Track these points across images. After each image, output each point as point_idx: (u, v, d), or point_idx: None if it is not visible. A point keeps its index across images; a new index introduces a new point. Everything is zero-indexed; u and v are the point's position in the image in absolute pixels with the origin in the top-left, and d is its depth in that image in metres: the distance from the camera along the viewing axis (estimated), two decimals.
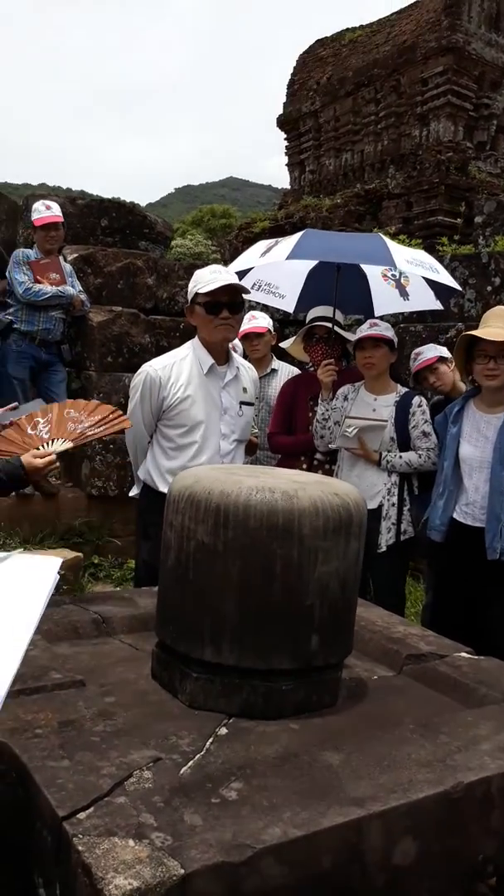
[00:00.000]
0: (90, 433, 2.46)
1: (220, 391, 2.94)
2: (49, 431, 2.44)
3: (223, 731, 1.72)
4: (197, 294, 2.84)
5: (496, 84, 12.41)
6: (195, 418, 2.89)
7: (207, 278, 2.81)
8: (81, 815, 1.28)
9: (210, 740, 1.67)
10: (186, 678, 1.82)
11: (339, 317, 3.79)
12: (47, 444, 2.39)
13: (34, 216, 5.28)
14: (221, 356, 2.96)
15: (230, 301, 2.84)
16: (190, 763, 1.55)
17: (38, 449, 2.34)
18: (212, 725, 1.73)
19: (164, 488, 2.92)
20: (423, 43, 12.15)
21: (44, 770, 1.40)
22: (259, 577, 1.74)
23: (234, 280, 2.84)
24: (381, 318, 3.68)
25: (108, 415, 2.51)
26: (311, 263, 3.76)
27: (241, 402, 3.00)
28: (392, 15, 14.04)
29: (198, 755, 1.59)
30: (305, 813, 1.33)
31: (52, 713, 1.61)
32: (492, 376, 2.90)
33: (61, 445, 2.39)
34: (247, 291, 2.95)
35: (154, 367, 2.93)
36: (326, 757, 1.54)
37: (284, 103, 15.43)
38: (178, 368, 2.91)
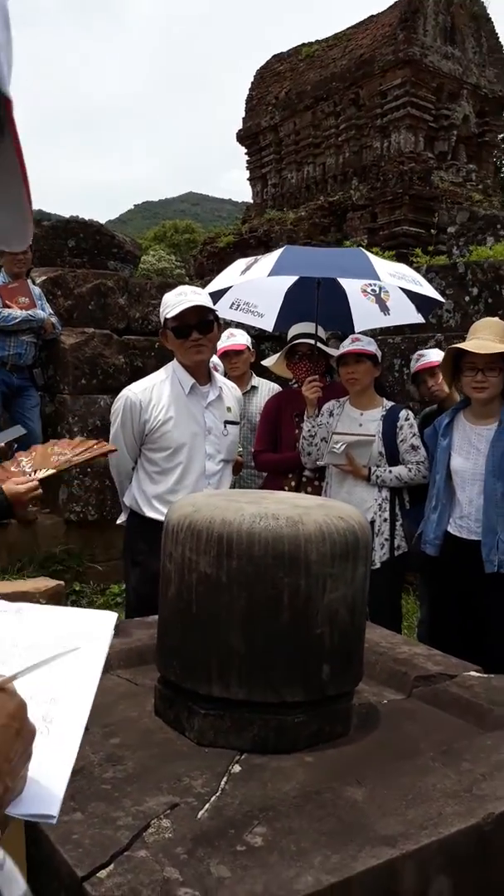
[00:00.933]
0: (74, 459, 2.41)
1: (203, 411, 2.89)
2: (32, 465, 2.38)
3: (236, 768, 1.66)
4: (166, 319, 2.81)
5: (454, 95, 12.59)
6: (178, 440, 2.84)
7: (173, 301, 2.78)
8: (102, 874, 1.21)
9: (224, 779, 1.60)
10: (194, 715, 1.75)
11: (321, 332, 3.76)
12: (30, 475, 2.33)
13: None
14: (202, 376, 2.92)
15: (199, 321, 2.79)
16: (207, 806, 1.48)
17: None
18: (224, 763, 1.67)
19: (150, 513, 2.88)
20: (381, 56, 12.29)
21: (56, 825, 1.32)
22: (266, 608, 1.68)
23: (200, 301, 2.79)
24: (364, 331, 3.66)
25: (93, 444, 2.47)
26: (289, 281, 3.73)
27: (226, 422, 2.95)
28: (348, 29, 14.19)
29: (214, 797, 1.53)
30: (336, 857, 1.28)
31: None
32: (480, 388, 2.89)
33: (44, 473, 2.33)
34: (213, 310, 2.89)
35: (133, 391, 2.88)
36: (349, 793, 1.48)
37: (244, 118, 15.49)
38: (158, 391, 2.87)
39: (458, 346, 2.92)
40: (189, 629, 1.76)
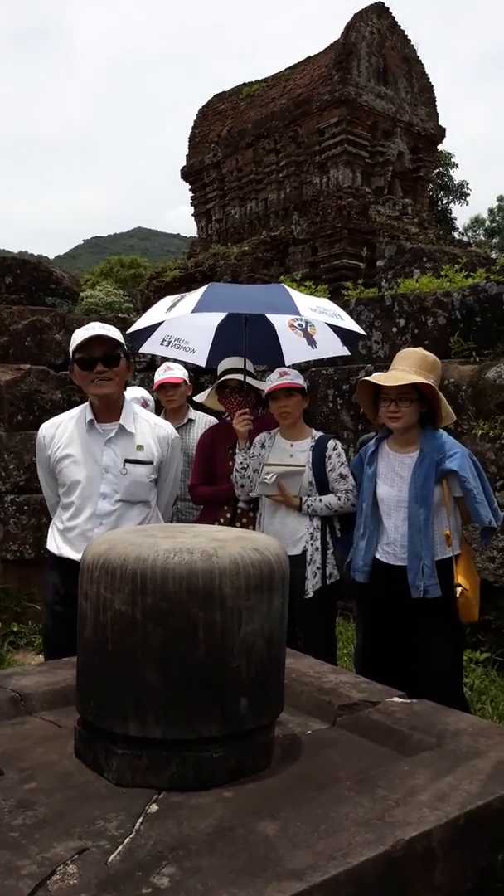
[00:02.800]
0: None
1: (103, 448, 2.82)
2: None
3: (153, 808, 1.64)
4: (73, 353, 2.80)
5: (388, 133, 13.00)
6: (72, 477, 2.82)
7: (80, 335, 2.78)
8: None
9: (140, 820, 1.58)
10: (112, 755, 1.73)
11: (250, 366, 3.81)
12: None
13: None
14: (109, 413, 2.86)
15: (104, 354, 2.75)
16: (119, 849, 1.46)
17: None
18: (141, 803, 1.64)
19: (49, 545, 2.93)
20: (318, 96, 12.65)
21: None
22: (181, 644, 1.68)
23: (106, 332, 2.75)
24: (292, 365, 3.72)
25: None
26: (220, 317, 3.79)
27: (128, 460, 2.83)
28: (286, 70, 14.59)
29: (127, 838, 1.50)
30: (243, 894, 1.27)
31: None
32: (394, 418, 2.97)
33: None
34: (122, 345, 2.82)
35: (44, 426, 2.94)
36: (262, 827, 1.47)
37: (187, 155, 15.73)
38: (64, 427, 2.89)
39: (367, 378, 3.01)
40: (105, 668, 1.74)
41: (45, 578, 2.96)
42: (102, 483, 2.80)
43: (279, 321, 3.73)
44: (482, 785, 1.64)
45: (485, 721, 2.08)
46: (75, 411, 2.95)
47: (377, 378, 2.96)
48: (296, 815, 1.52)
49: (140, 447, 2.87)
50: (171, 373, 4.37)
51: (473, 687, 4.28)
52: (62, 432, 2.87)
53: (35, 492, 4.49)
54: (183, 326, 3.73)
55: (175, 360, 5.04)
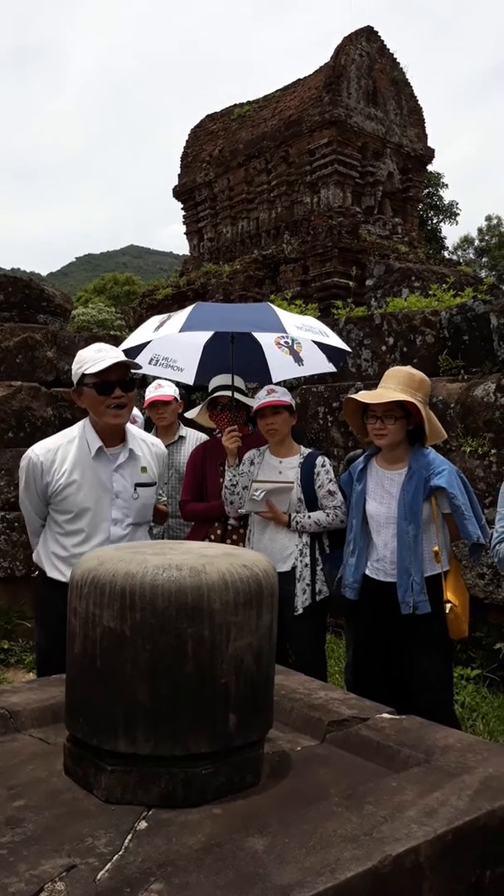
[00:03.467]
0: None
1: (112, 474, 2.78)
2: None
3: (143, 825, 1.64)
4: (84, 375, 2.69)
5: (378, 153, 13.16)
6: (81, 504, 2.73)
7: (93, 357, 2.68)
8: None
9: (129, 837, 1.58)
10: (101, 772, 1.73)
11: (241, 383, 3.84)
12: None
13: None
14: (114, 437, 2.82)
15: (120, 379, 2.70)
16: (107, 866, 1.46)
17: None
18: (130, 820, 1.64)
19: (51, 573, 2.79)
20: (308, 117, 12.80)
21: None
22: (170, 660, 1.69)
23: (122, 357, 2.73)
24: (280, 382, 3.76)
25: None
26: (207, 335, 3.83)
27: (138, 484, 2.83)
28: (277, 91, 14.77)
29: (116, 855, 1.50)
30: None
31: None
32: (380, 435, 3.01)
33: None
34: (137, 367, 2.82)
35: (36, 452, 2.77)
36: (251, 843, 1.48)
37: (179, 174, 15.86)
38: (63, 452, 2.75)
39: (353, 396, 3.06)
40: (94, 684, 1.75)
41: (45, 603, 2.84)
42: (113, 509, 2.76)
43: (266, 339, 3.77)
44: (470, 800, 1.65)
45: (473, 737, 2.08)
46: (70, 434, 2.83)
47: (362, 396, 3.01)
48: (284, 831, 1.53)
49: (144, 469, 2.86)
50: (161, 390, 4.39)
51: (464, 704, 4.28)
52: (62, 458, 2.74)
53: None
54: (171, 345, 3.76)
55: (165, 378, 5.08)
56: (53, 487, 2.73)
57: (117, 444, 2.82)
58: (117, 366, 2.69)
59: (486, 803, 1.63)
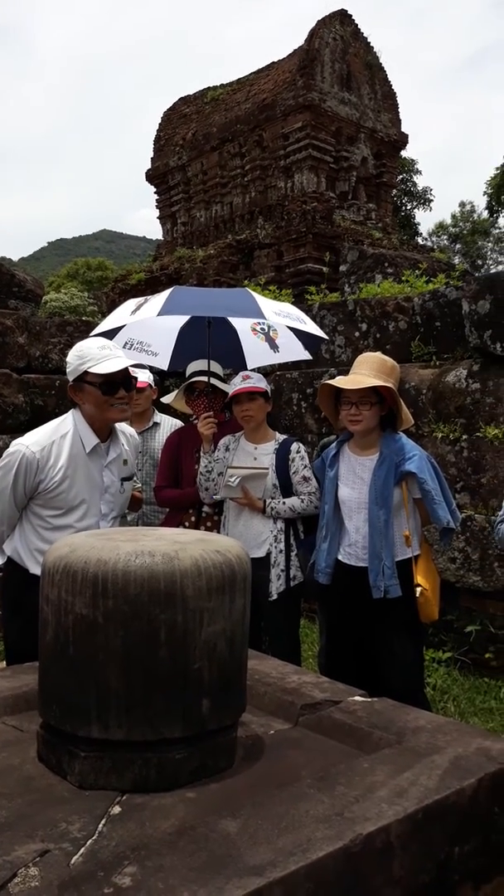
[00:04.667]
0: None
1: (103, 469, 2.79)
2: None
3: (116, 809, 1.65)
4: (87, 373, 2.66)
5: (352, 138, 13.14)
6: (73, 501, 2.72)
7: (98, 355, 2.65)
8: None
9: (103, 822, 1.59)
10: (74, 758, 1.73)
11: (219, 369, 3.83)
12: None
13: None
14: (105, 432, 2.82)
15: (124, 378, 2.70)
16: (81, 851, 1.46)
17: None
18: (104, 805, 1.65)
19: (34, 569, 2.72)
20: (282, 101, 12.74)
21: None
22: (143, 646, 1.69)
23: (128, 361, 2.73)
24: (255, 368, 3.75)
25: None
26: (182, 320, 3.80)
27: (123, 479, 2.87)
28: (251, 74, 14.66)
29: (90, 840, 1.51)
30: (203, 891, 1.28)
31: None
32: (354, 421, 3.02)
33: None
34: (140, 366, 2.86)
35: (31, 449, 2.68)
36: (224, 825, 1.49)
37: (152, 158, 15.72)
38: (57, 448, 2.71)
39: (328, 381, 3.07)
40: (67, 671, 1.75)
41: (23, 600, 2.74)
42: (102, 503, 2.78)
43: (242, 325, 3.76)
44: (440, 780, 1.68)
45: (443, 718, 2.12)
46: (62, 429, 2.77)
47: (338, 381, 3.01)
48: (257, 813, 1.55)
49: (125, 462, 2.89)
50: (136, 376, 4.37)
51: (436, 686, 4.35)
52: (57, 454, 2.69)
53: None
54: (145, 329, 3.73)
55: (139, 365, 5.05)
56: (47, 485, 2.68)
57: (106, 438, 2.82)
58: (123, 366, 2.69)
59: (455, 782, 1.66)
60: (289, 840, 1.44)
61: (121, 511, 2.91)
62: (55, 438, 2.72)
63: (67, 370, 2.76)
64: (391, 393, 2.99)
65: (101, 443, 2.77)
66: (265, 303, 3.31)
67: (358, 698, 2.19)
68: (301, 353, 3.80)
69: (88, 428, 2.74)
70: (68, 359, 2.76)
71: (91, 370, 2.64)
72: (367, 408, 2.99)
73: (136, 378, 2.83)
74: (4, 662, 3.95)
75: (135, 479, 3.19)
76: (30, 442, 2.71)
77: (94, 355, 2.65)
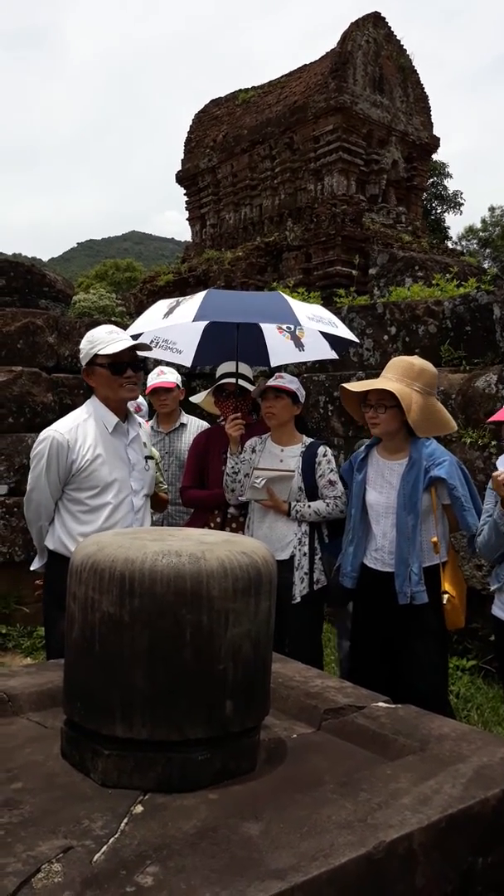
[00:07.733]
0: None
1: (127, 448, 2.95)
2: None
3: (138, 808, 1.65)
4: (97, 355, 2.85)
5: (383, 141, 13.07)
6: (107, 477, 2.86)
7: (106, 339, 2.84)
8: None
9: (125, 820, 1.59)
10: (98, 756, 1.74)
11: (249, 371, 3.83)
12: None
13: None
14: (122, 413, 2.99)
15: (132, 359, 2.88)
16: (104, 848, 1.47)
17: None
18: (126, 804, 1.66)
19: None
20: (313, 103, 12.72)
21: None
22: (168, 645, 1.69)
23: (133, 342, 2.91)
24: (283, 367, 3.75)
25: None
26: None
27: (146, 457, 3.04)
28: (282, 77, 14.66)
29: (112, 838, 1.51)
30: (225, 893, 1.28)
31: None
32: (373, 424, 3.02)
33: None
34: (147, 348, 3.02)
35: (59, 431, 2.86)
36: (246, 828, 1.49)
37: (182, 160, 15.78)
38: (83, 430, 2.88)
39: (344, 385, 3.10)
40: (92, 669, 1.75)
41: (58, 585, 2.80)
42: (132, 480, 2.93)
43: (267, 324, 3.74)
44: (464, 788, 1.66)
45: (467, 726, 2.10)
46: (82, 415, 2.95)
47: (351, 385, 3.07)
48: (279, 816, 1.54)
49: (144, 444, 3.07)
50: (163, 377, 4.39)
51: (459, 694, 4.30)
52: (83, 435, 2.86)
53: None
54: (171, 327, 3.73)
55: (167, 364, 5.07)
56: (79, 464, 2.83)
57: (124, 419, 2.99)
58: (128, 347, 2.85)
59: (480, 792, 1.64)
60: (311, 845, 1.43)
61: (150, 490, 3.05)
62: (79, 422, 2.90)
63: (80, 356, 2.96)
64: (404, 396, 2.92)
65: (120, 422, 2.95)
66: (298, 306, 3.28)
67: (382, 704, 2.17)
68: (327, 353, 3.78)
69: (107, 409, 2.92)
70: (81, 345, 2.96)
71: (101, 352, 2.83)
72: (382, 410, 2.98)
73: (144, 362, 3.00)
74: (31, 658, 3.98)
75: (161, 479, 3.26)
76: (58, 427, 2.90)
77: (102, 339, 2.85)
